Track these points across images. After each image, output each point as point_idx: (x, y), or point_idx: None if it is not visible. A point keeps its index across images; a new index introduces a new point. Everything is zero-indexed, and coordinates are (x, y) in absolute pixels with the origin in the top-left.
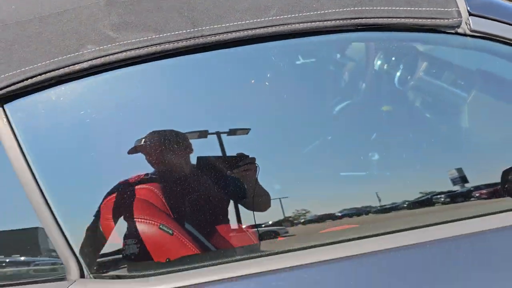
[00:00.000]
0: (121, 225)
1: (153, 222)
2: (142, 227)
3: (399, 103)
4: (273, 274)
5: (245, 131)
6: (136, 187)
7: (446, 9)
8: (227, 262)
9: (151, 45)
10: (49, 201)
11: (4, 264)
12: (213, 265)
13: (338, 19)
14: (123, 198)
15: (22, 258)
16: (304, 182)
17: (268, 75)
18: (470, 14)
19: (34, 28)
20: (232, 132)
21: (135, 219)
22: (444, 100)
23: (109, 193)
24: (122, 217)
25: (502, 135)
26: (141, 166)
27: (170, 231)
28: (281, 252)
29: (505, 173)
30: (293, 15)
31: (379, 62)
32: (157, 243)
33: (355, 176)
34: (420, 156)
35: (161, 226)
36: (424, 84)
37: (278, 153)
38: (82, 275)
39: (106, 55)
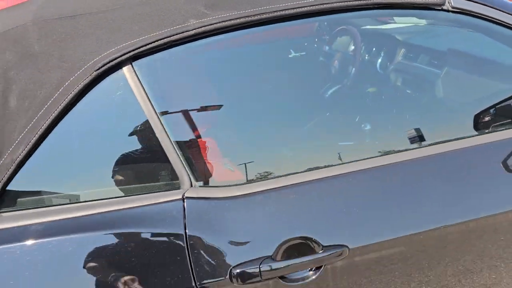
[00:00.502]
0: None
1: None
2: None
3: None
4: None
5: None
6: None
7: None
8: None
9: (234, 19)
10: (169, 134)
11: (135, 181)
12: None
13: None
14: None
15: (149, 177)
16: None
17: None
18: None
19: (145, 9)
20: None
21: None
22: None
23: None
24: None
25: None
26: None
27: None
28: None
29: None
30: None
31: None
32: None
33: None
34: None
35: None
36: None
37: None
38: (191, 185)
39: (204, 26)
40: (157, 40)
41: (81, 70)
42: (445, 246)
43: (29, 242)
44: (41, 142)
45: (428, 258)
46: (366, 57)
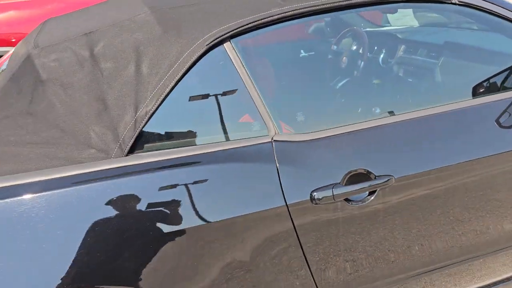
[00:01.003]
0: None
1: None
2: None
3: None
4: None
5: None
6: None
7: None
8: None
9: (303, 8)
10: (260, 95)
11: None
12: None
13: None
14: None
15: (245, 127)
16: None
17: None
18: None
19: (237, 1)
20: None
21: None
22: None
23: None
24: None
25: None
26: None
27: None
28: None
29: (474, 88)
30: None
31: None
32: None
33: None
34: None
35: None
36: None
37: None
38: (275, 133)
39: (283, 13)
40: (249, 23)
41: (195, 45)
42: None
43: (164, 172)
44: (165, 99)
45: (421, 210)
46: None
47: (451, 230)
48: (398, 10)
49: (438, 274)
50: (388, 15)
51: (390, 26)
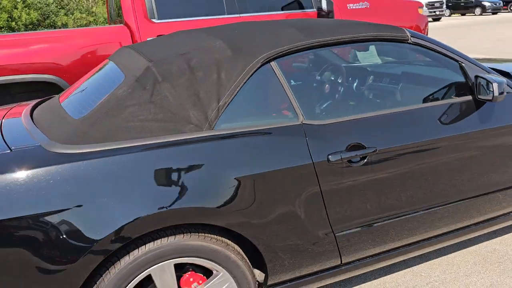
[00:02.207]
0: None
1: None
2: None
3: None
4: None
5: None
6: None
7: (403, 34)
8: None
9: (318, 42)
10: (294, 94)
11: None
12: None
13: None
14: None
15: (283, 116)
16: None
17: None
18: (411, 36)
19: (274, 36)
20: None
21: None
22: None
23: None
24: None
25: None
26: None
27: None
28: None
29: (423, 99)
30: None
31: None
32: None
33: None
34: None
35: None
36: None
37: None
38: (303, 119)
39: (307, 44)
40: (284, 50)
41: (252, 63)
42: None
43: (237, 138)
44: (236, 95)
45: (395, 168)
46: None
47: (414, 182)
48: (369, 48)
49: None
50: (357, 54)
51: (360, 62)
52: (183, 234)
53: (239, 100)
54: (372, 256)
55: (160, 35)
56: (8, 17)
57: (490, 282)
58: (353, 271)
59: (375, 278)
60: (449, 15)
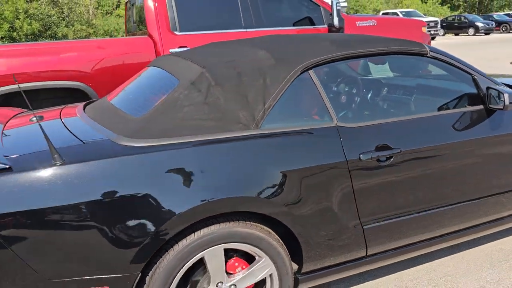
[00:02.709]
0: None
1: None
2: None
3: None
4: None
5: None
6: None
7: (423, 48)
8: None
9: (351, 53)
10: (328, 99)
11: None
12: None
13: (392, 50)
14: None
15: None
16: None
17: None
18: (429, 50)
19: (310, 46)
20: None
21: None
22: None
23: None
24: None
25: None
26: None
27: None
28: None
29: (438, 107)
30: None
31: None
32: None
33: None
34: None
35: None
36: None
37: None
38: (337, 122)
39: (338, 59)
40: (320, 61)
41: (293, 71)
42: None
43: (281, 137)
44: (279, 99)
45: (417, 168)
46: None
47: (433, 181)
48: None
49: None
50: (370, 67)
51: (372, 75)
52: (233, 221)
53: (281, 103)
54: (393, 249)
55: (182, 46)
56: (9, 27)
57: (498, 277)
58: (376, 263)
59: (392, 273)
60: (443, 35)
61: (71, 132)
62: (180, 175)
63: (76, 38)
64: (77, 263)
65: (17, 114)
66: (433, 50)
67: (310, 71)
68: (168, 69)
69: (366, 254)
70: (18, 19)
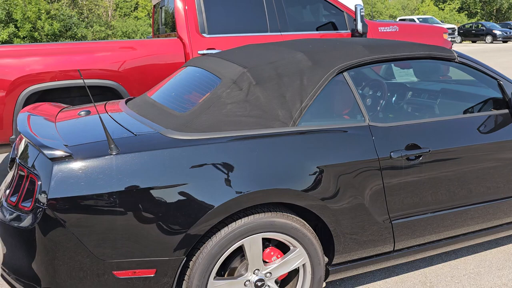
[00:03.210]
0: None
1: None
2: None
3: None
4: None
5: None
6: None
7: (452, 54)
8: None
9: (382, 57)
10: (361, 100)
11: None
12: None
13: (421, 55)
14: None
15: (351, 120)
16: None
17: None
18: (457, 56)
19: (343, 50)
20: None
21: None
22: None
23: (372, 100)
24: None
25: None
26: None
27: None
28: None
29: (464, 110)
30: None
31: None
32: None
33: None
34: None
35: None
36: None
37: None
38: (369, 121)
39: (370, 59)
40: (353, 64)
41: (329, 72)
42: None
43: (318, 133)
44: (315, 98)
45: (446, 168)
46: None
47: (459, 181)
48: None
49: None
50: (394, 71)
51: (396, 79)
52: (270, 212)
53: (318, 103)
54: (419, 245)
55: (210, 48)
56: (31, 27)
57: None
58: (402, 258)
59: (416, 269)
60: (460, 42)
61: (121, 125)
62: (224, 166)
63: (95, 39)
64: (129, 246)
65: (62, 109)
66: (461, 55)
67: (345, 73)
68: (208, 68)
69: (393, 249)
70: (40, 19)
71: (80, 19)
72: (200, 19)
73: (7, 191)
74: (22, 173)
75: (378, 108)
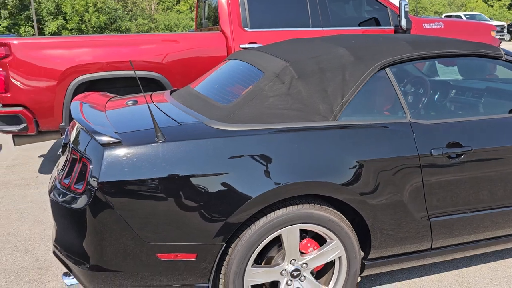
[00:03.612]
0: None
1: None
2: None
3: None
4: None
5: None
6: None
7: (499, 51)
8: None
9: (425, 54)
10: (403, 96)
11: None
12: None
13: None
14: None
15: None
16: None
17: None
18: (504, 54)
19: (387, 46)
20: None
21: None
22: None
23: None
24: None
25: None
26: None
27: None
28: None
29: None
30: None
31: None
32: None
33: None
34: None
35: None
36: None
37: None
38: (410, 118)
39: (413, 56)
40: (396, 59)
41: (371, 68)
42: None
43: (360, 128)
44: (357, 94)
45: (487, 167)
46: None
47: (501, 181)
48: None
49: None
50: (438, 69)
51: (439, 77)
52: (309, 204)
53: (359, 98)
54: (457, 245)
55: (251, 42)
56: (79, 19)
57: None
58: (439, 257)
59: (454, 269)
60: (509, 40)
61: (167, 115)
62: (264, 158)
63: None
64: (171, 230)
65: (110, 98)
66: (508, 53)
67: (387, 69)
68: (251, 62)
69: (431, 247)
70: (87, 12)
71: (125, 12)
72: (243, 13)
73: (61, 174)
74: (75, 157)
75: (420, 105)
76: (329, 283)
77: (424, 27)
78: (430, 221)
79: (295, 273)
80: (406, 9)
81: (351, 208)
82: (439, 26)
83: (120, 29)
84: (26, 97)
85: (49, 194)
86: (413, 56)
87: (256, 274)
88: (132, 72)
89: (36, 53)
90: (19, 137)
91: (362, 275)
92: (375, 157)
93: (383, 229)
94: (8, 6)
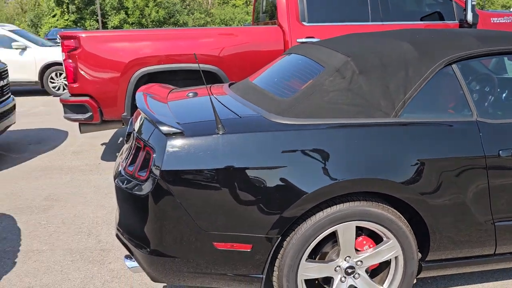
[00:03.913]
0: None
1: None
2: None
3: None
4: None
5: None
6: None
7: None
8: None
9: (497, 49)
10: (469, 93)
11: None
12: None
13: None
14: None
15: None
16: None
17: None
18: None
19: (458, 41)
20: None
21: None
22: None
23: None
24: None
25: None
26: None
27: None
28: None
29: None
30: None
31: None
32: None
33: None
34: None
35: None
36: None
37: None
38: (477, 117)
39: (486, 51)
40: (463, 55)
41: (437, 64)
42: None
43: (423, 126)
44: (420, 90)
45: None
46: None
47: None
48: None
49: None
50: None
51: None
52: (366, 201)
53: (422, 95)
54: None
55: (309, 36)
56: (139, 14)
57: None
58: (504, 263)
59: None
60: None
61: (227, 107)
62: (322, 153)
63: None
64: (229, 221)
65: (172, 90)
66: None
67: (453, 65)
68: (311, 56)
69: (494, 253)
70: (148, 6)
71: (183, 7)
72: (301, 7)
73: (125, 161)
74: (139, 145)
75: (487, 103)
76: (384, 283)
77: (492, 21)
78: (495, 225)
79: (349, 270)
80: (473, 2)
81: (409, 208)
82: (509, 21)
83: (178, 23)
84: (92, 88)
85: (114, 180)
86: (481, 52)
87: (310, 269)
88: (190, 65)
89: (102, 46)
90: (85, 125)
91: (418, 277)
92: (438, 156)
93: (442, 231)
94: (76, 1)
